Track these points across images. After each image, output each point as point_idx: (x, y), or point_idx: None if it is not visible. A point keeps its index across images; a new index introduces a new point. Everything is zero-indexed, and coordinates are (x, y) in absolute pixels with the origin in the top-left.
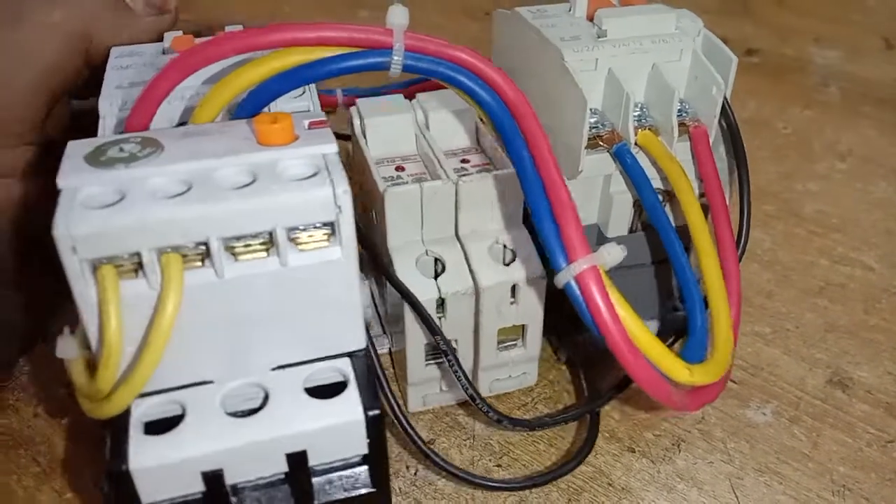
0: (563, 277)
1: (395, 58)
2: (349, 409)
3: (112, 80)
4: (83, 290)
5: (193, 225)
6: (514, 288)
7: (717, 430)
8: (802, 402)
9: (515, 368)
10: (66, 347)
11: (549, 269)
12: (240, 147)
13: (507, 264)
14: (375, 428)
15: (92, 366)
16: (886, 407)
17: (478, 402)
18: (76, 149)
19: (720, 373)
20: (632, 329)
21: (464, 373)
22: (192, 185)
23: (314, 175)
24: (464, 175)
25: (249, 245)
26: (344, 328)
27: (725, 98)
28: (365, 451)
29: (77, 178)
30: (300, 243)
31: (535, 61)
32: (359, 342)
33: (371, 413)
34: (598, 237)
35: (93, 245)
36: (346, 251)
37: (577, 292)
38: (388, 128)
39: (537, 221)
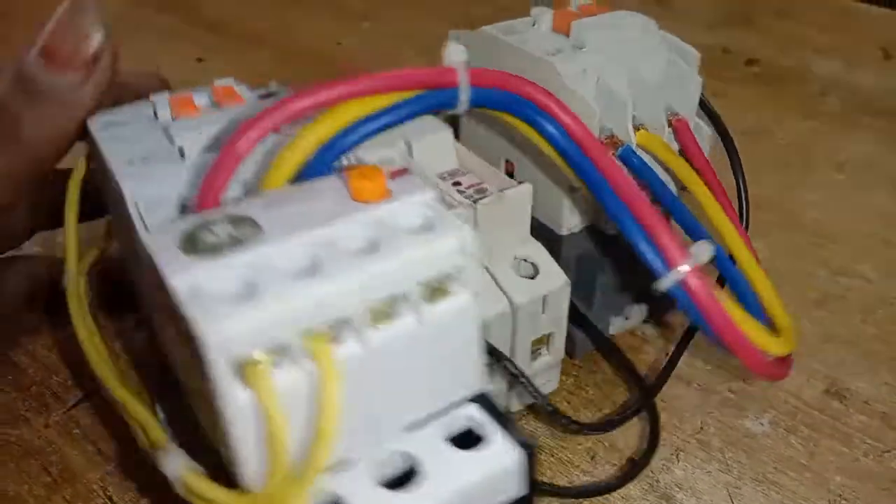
0: (667, 282)
1: (462, 96)
2: (505, 451)
3: (117, 157)
4: (231, 391)
5: (340, 299)
6: (542, 299)
7: (715, 440)
8: (800, 412)
9: (542, 377)
10: (178, 463)
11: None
12: (340, 208)
13: (532, 278)
14: (532, 465)
15: (220, 472)
16: (883, 417)
17: (557, 416)
18: (161, 242)
19: (794, 341)
20: (736, 318)
21: (536, 389)
22: (319, 258)
23: (431, 224)
24: (476, 199)
25: (383, 308)
26: (468, 373)
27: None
28: (523, 490)
29: (189, 274)
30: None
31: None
32: (480, 383)
33: (528, 451)
34: (594, 237)
35: (242, 342)
36: (474, 295)
37: (684, 294)
38: (380, 161)
39: (632, 239)
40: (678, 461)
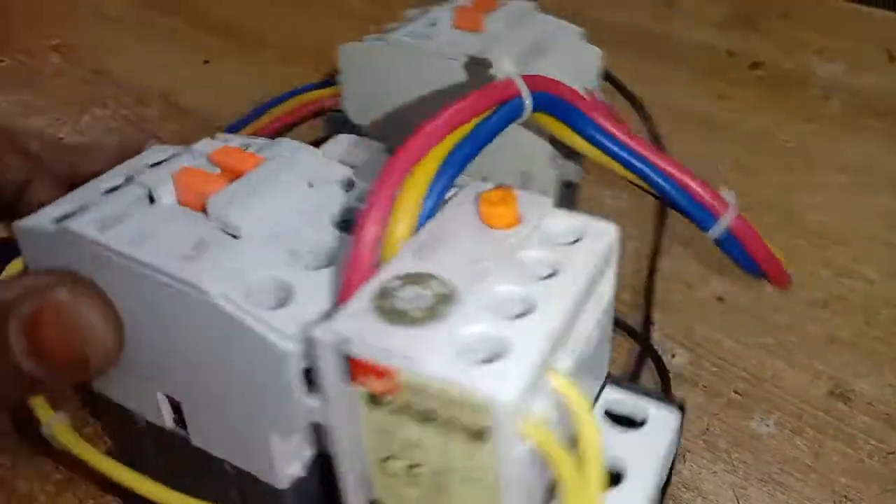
0: (717, 231)
1: (526, 102)
2: (667, 418)
3: (154, 255)
4: (515, 449)
5: (563, 327)
6: None
7: (721, 441)
8: (805, 413)
9: None
10: None
11: None
12: (493, 240)
13: None
14: (682, 422)
15: None
16: (887, 419)
17: None
18: (359, 326)
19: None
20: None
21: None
22: (527, 297)
23: (580, 230)
24: None
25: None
26: (607, 357)
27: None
28: (679, 445)
29: (427, 350)
30: None
31: (445, 83)
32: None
33: (682, 410)
34: None
35: (522, 399)
36: (612, 282)
37: (731, 237)
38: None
39: (680, 204)
40: (684, 462)
